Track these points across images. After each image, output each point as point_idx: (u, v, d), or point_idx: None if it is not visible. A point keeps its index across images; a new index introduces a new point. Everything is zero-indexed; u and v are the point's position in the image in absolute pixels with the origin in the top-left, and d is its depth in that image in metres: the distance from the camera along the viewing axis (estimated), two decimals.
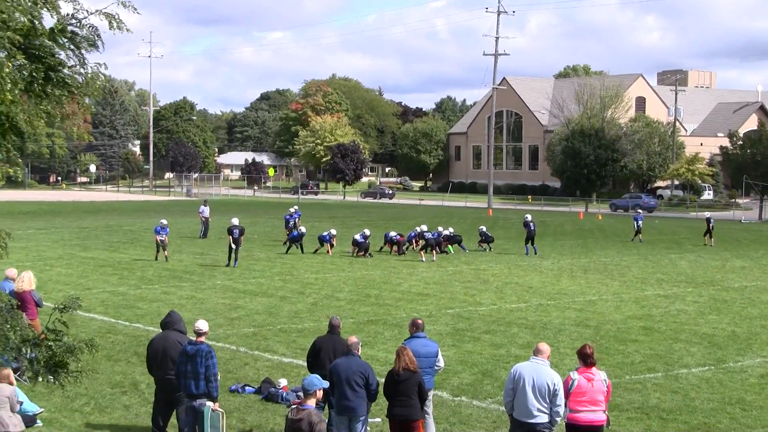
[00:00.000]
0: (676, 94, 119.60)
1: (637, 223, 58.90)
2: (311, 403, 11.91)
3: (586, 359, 13.79)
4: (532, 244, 48.83)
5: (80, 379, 10.77)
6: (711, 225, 56.54)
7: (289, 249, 46.97)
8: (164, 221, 44.69)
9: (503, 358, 22.34)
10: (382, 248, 48.24)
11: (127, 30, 9.68)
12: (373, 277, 37.70)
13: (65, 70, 9.47)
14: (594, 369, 13.81)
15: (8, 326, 10.39)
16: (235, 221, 41.88)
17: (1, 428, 15.65)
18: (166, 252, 42.69)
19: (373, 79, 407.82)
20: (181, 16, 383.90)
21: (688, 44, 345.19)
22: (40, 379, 16.64)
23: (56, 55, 9.42)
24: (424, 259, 44.34)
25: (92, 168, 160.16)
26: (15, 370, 16.72)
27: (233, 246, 40.66)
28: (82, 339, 10.46)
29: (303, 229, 48.86)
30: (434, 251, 45.05)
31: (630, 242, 57.24)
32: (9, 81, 8.60)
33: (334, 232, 48.51)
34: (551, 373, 13.59)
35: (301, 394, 17.30)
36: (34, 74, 9.16)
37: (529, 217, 50.90)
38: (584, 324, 27.55)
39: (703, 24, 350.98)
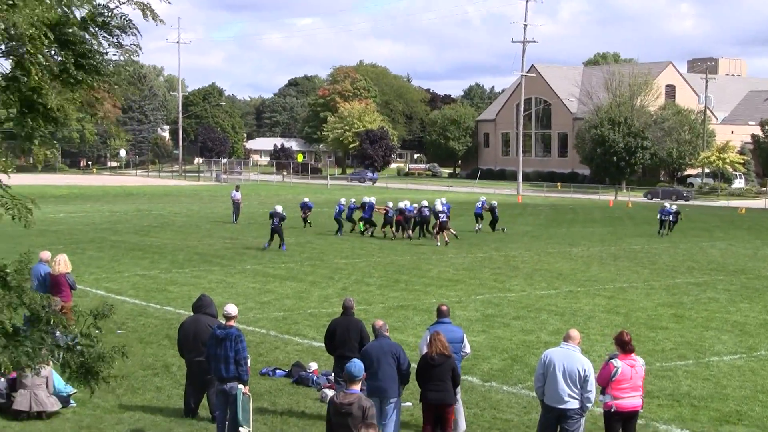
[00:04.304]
0: (706, 81, 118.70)
1: (663, 216, 53.85)
2: (357, 387, 11.91)
3: (624, 346, 13.82)
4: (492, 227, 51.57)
5: (112, 385, 10.84)
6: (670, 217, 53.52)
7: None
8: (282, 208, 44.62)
9: (533, 344, 22.33)
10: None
11: (161, 21, 9.69)
12: (403, 262, 37.72)
13: (97, 57, 9.49)
14: (633, 355, 13.85)
15: (45, 330, 10.48)
16: (278, 208, 41.88)
17: (39, 408, 15.84)
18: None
19: (403, 65, 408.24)
20: (211, 2, 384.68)
21: (721, 32, 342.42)
22: (72, 387, 16.83)
23: (87, 43, 9.44)
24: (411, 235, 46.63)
25: (122, 153, 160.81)
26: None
27: (274, 232, 41.18)
28: (115, 346, 10.53)
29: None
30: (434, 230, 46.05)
31: (659, 236, 52.72)
32: (37, 66, 8.65)
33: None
34: (582, 359, 13.60)
35: (331, 377, 17.44)
36: (64, 60, 9.20)
37: (494, 202, 53.60)
38: (614, 311, 27.48)
39: (736, 11, 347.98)
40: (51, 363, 16.22)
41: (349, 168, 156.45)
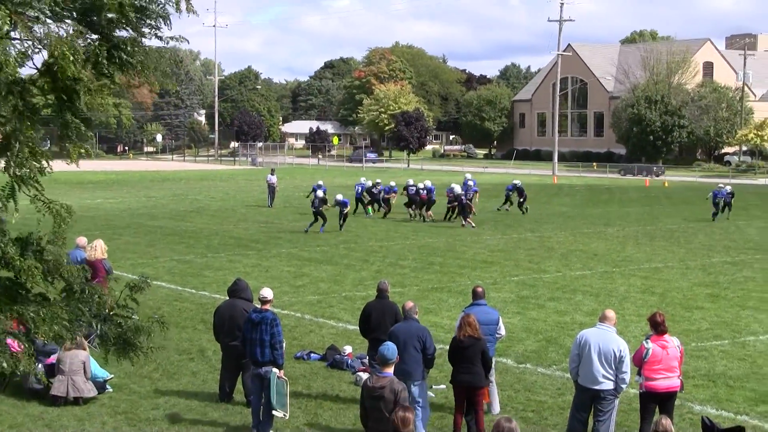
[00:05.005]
0: (745, 58, 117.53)
1: (717, 198, 49.99)
2: (390, 370, 11.92)
3: (657, 327, 13.78)
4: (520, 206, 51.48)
5: (150, 356, 10.91)
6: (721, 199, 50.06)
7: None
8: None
9: (568, 326, 22.29)
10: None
11: (194, 12, 9.69)
12: (437, 244, 37.71)
13: (129, 48, 9.50)
14: (667, 336, 13.80)
15: (81, 301, 10.55)
16: (339, 197, 42.75)
17: (76, 393, 16.01)
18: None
19: (440, 46, 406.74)
20: None
21: (761, 6, 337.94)
22: (109, 355, 17.00)
23: (120, 30, 9.47)
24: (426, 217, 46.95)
25: (158, 138, 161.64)
26: (85, 337, 17.04)
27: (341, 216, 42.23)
28: (152, 317, 10.61)
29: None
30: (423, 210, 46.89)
31: (713, 220, 49.08)
32: (73, 55, 8.68)
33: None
34: (617, 339, 13.57)
35: (366, 361, 17.49)
36: (98, 51, 9.24)
37: (518, 182, 53.33)
38: (650, 291, 27.36)
39: None
40: (88, 348, 16.47)
41: (384, 149, 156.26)
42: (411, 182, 49.58)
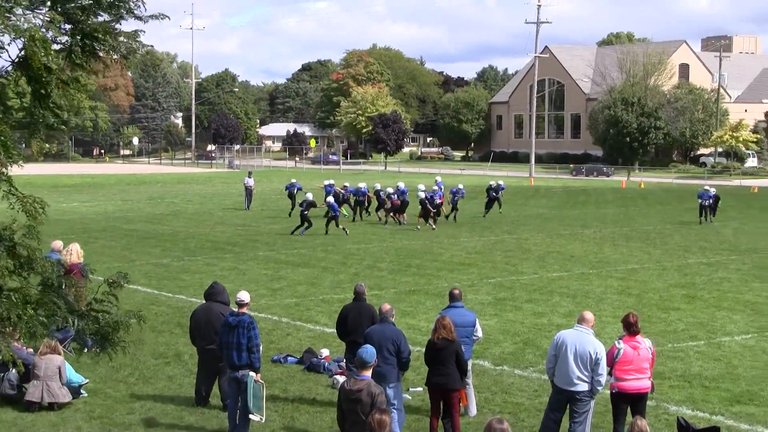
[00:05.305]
0: (720, 60, 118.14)
1: (703, 200, 49.48)
2: (368, 373, 11.88)
3: (630, 328, 13.82)
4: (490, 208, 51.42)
5: (127, 350, 10.81)
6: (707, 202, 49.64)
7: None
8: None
9: (545, 327, 22.32)
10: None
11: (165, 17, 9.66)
12: (415, 247, 37.72)
13: (101, 36, 9.44)
14: (639, 337, 13.83)
15: (57, 296, 10.47)
16: (309, 196, 42.63)
17: (51, 399, 15.90)
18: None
19: (417, 48, 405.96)
20: None
21: (736, 9, 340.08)
22: (86, 350, 16.85)
23: (95, 17, 9.41)
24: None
25: (135, 141, 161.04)
26: (60, 342, 16.97)
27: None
28: (130, 311, 10.54)
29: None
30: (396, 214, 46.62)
31: (699, 224, 48.39)
32: (46, 47, 8.63)
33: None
34: (594, 341, 13.59)
35: (343, 364, 17.46)
36: (72, 41, 9.19)
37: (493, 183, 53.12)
38: (626, 292, 27.45)
39: None
40: (63, 353, 16.38)
41: (362, 152, 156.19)
42: (378, 186, 49.63)
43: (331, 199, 42.78)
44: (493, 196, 51.38)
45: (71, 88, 9.33)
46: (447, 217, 47.97)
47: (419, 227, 43.96)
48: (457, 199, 48.97)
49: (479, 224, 46.97)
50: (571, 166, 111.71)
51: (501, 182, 54.47)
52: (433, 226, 43.71)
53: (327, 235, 41.03)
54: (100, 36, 9.34)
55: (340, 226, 41.54)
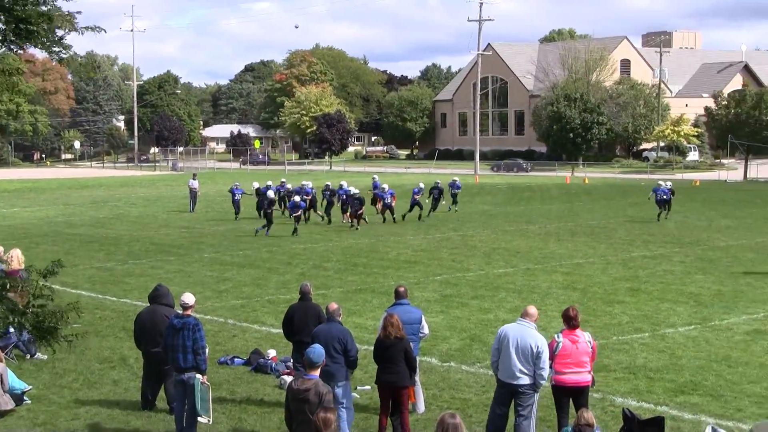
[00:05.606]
0: (660, 55, 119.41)
1: (659, 195, 48.25)
2: (316, 373, 11.83)
3: (569, 321, 13.92)
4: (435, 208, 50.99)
5: (74, 344, 10.65)
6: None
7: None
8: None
9: (491, 323, 22.39)
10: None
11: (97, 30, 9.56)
12: (361, 245, 37.70)
13: (34, 20, 9.32)
14: (578, 331, 13.92)
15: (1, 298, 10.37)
16: (270, 194, 43.03)
17: None
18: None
19: (360, 47, 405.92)
20: None
21: (675, 5, 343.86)
22: (29, 357, 16.57)
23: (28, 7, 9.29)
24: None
25: (76, 144, 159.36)
26: (2, 348, 16.73)
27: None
28: (69, 304, 10.44)
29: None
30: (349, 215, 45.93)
31: (657, 221, 47.06)
32: None
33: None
34: (536, 335, 13.67)
35: (290, 364, 17.41)
36: (5, 27, 9.07)
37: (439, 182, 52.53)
38: (571, 287, 27.64)
39: None
40: (4, 360, 16.15)
41: (306, 152, 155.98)
42: (330, 185, 49.70)
43: (256, 183, 42.78)
44: (436, 195, 50.94)
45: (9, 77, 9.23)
46: (429, 213, 49.40)
47: (353, 225, 44.05)
48: (456, 192, 51.77)
49: (425, 222, 47.05)
50: (491, 163, 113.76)
51: (457, 179, 54.39)
52: (357, 227, 43.73)
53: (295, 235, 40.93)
54: (34, 19, 9.23)
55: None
